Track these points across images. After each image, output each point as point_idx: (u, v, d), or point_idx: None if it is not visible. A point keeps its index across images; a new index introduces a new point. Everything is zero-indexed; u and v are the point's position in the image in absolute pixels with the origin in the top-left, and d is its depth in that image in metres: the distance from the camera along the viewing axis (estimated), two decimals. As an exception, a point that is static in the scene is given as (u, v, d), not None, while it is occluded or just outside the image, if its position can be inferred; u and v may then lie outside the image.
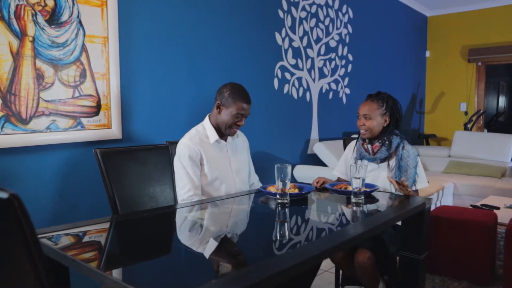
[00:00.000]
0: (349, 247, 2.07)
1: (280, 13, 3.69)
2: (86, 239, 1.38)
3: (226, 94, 2.10)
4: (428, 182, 4.01)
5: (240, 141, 2.33)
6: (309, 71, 4.06)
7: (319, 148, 3.96)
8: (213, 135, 2.14)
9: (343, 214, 1.89)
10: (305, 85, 4.03)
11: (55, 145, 2.25)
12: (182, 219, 1.68)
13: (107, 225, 1.53)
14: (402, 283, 1.96)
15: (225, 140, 2.21)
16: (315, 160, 4.06)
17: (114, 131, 2.50)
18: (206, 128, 2.18)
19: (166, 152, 1.90)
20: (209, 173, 2.10)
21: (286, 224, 1.64)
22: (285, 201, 1.79)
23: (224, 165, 2.17)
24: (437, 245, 2.87)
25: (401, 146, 2.25)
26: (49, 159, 2.24)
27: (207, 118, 2.21)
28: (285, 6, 3.72)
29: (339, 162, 2.51)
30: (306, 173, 3.72)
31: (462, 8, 6.03)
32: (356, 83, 4.74)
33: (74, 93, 2.32)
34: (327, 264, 2.91)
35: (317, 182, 2.24)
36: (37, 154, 2.19)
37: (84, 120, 2.37)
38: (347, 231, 1.56)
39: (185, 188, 2.00)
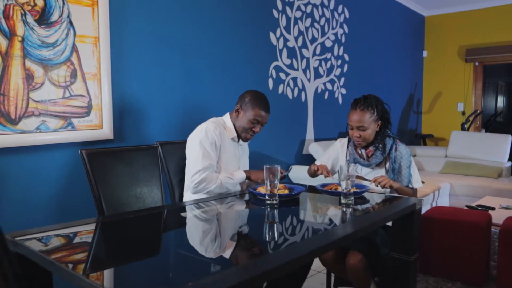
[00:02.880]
0: (337, 247, 2.06)
1: (275, 13, 3.68)
2: (66, 241, 1.37)
3: (247, 99, 2.18)
4: (423, 182, 4.01)
5: (246, 146, 2.41)
6: (304, 71, 4.04)
7: (314, 149, 3.95)
8: (232, 131, 2.22)
9: (333, 214, 1.88)
10: (300, 85, 4.01)
11: (46, 146, 2.24)
12: (168, 221, 1.67)
13: (89, 226, 1.51)
14: (393, 285, 1.95)
15: (238, 142, 2.27)
16: (311, 161, 4.04)
17: (106, 132, 2.49)
18: (226, 122, 2.24)
19: (154, 152, 1.89)
20: (219, 166, 2.13)
21: (273, 225, 1.63)
22: (274, 202, 1.78)
23: (235, 164, 2.23)
24: (431, 246, 2.85)
25: (394, 148, 2.22)
26: (39, 159, 2.23)
27: (227, 115, 2.28)
28: (279, 6, 3.71)
29: (324, 157, 2.45)
30: (301, 174, 3.70)
31: (459, 8, 6.02)
32: (352, 83, 4.72)
33: (65, 93, 2.30)
34: (320, 265, 2.90)
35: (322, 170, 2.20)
36: (26, 155, 2.18)
37: (75, 121, 2.35)
38: (335, 232, 1.55)
39: (200, 168, 2.04)
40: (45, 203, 2.25)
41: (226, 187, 2.09)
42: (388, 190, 2.19)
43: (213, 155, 2.08)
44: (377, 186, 2.07)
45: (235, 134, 2.21)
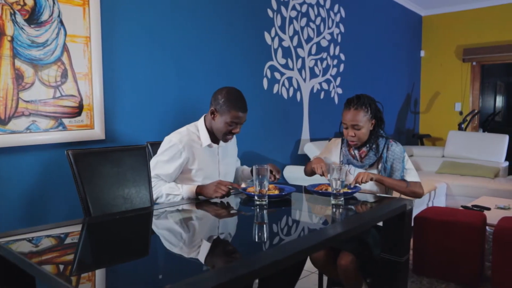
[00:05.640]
0: (326, 247, 2.06)
1: (270, 12, 3.66)
2: (50, 242, 1.36)
3: (221, 101, 2.04)
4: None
5: (231, 144, 2.29)
6: (299, 71, 4.03)
7: (309, 149, 3.93)
8: (206, 138, 2.10)
9: (322, 215, 1.86)
10: (295, 85, 4.00)
11: (36, 146, 2.23)
12: (157, 222, 1.66)
13: (74, 228, 1.49)
14: (384, 286, 1.93)
15: (217, 144, 2.17)
16: (306, 161, 4.02)
17: (97, 132, 2.48)
18: (199, 129, 2.13)
19: (143, 153, 1.88)
20: (195, 176, 2.07)
21: (261, 225, 1.61)
22: (263, 202, 1.77)
23: (213, 169, 2.13)
24: (425, 246, 2.84)
25: (386, 148, 2.20)
26: (30, 160, 2.22)
27: (202, 119, 2.17)
28: (274, 6, 3.70)
29: (319, 155, 2.45)
30: (296, 174, 3.69)
31: (457, 8, 6.00)
32: (348, 83, 4.71)
33: (55, 93, 2.29)
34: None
35: (321, 171, 2.16)
36: (17, 155, 2.17)
37: (66, 121, 2.34)
38: (323, 231, 1.54)
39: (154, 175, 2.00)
40: (37, 203, 2.24)
41: (170, 200, 1.97)
42: (376, 188, 2.18)
43: (168, 167, 2.00)
44: (360, 184, 2.06)
45: (209, 142, 2.10)
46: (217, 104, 2.05)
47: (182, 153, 2.02)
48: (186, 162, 2.04)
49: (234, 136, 2.30)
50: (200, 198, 1.96)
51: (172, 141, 2.03)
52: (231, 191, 1.92)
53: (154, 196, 1.95)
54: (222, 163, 2.18)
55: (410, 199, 1.98)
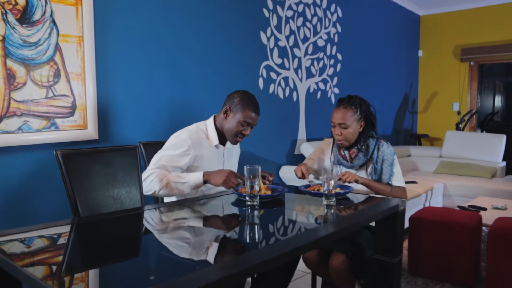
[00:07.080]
0: (317, 247, 2.05)
1: (265, 12, 3.65)
2: (37, 244, 1.34)
3: (236, 100, 2.06)
4: (416, 182, 3.94)
5: (235, 148, 2.31)
6: (296, 70, 4.02)
7: (306, 149, 3.92)
8: (214, 138, 2.11)
9: (313, 215, 1.85)
10: (291, 85, 3.99)
11: (29, 146, 2.22)
12: (147, 222, 1.65)
13: (61, 229, 1.48)
14: (377, 287, 1.92)
15: (224, 145, 2.17)
16: (302, 161, 4.02)
17: (90, 132, 2.47)
18: (208, 128, 2.13)
19: (133, 153, 1.86)
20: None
21: (252, 225, 1.60)
22: (255, 203, 1.76)
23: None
24: (420, 247, 2.83)
25: (376, 148, 2.19)
26: (22, 160, 2.21)
27: (211, 119, 2.16)
28: (270, 5, 3.69)
29: (310, 157, 2.44)
30: (292, 174, 3.67)
31: (455, 7, 6.00)
32: (345, 83, 4.69)
33: (48, 93, 2.28)
34: (309, 266, 2.87)
35: (301, 173, 2.18)
36: (8, 155, 2.16)
37: (59, 121, 2.33)
38: (314, 232, 1.52)
39: (149, 168, 1.94)
40: (30, 203, 2.23)
41: (177, 187, 1.91)
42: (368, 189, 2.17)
43: (177, 160, 1.96)
44: (344, 182, 2.06)
45: (217, 142, 2.10)
46: (232, 103, 2.07)
47: (191, 150, 2.00)
48: (194, 160, 2.03)
49: None
50: (204, 191, 1.97)
51: (180, 137, 2.02)
52: (240, 183, 1.94)
53: (156, 186, 1.85)
54: (226, 165, 2.20)
55: (403, 199, 1.96)
